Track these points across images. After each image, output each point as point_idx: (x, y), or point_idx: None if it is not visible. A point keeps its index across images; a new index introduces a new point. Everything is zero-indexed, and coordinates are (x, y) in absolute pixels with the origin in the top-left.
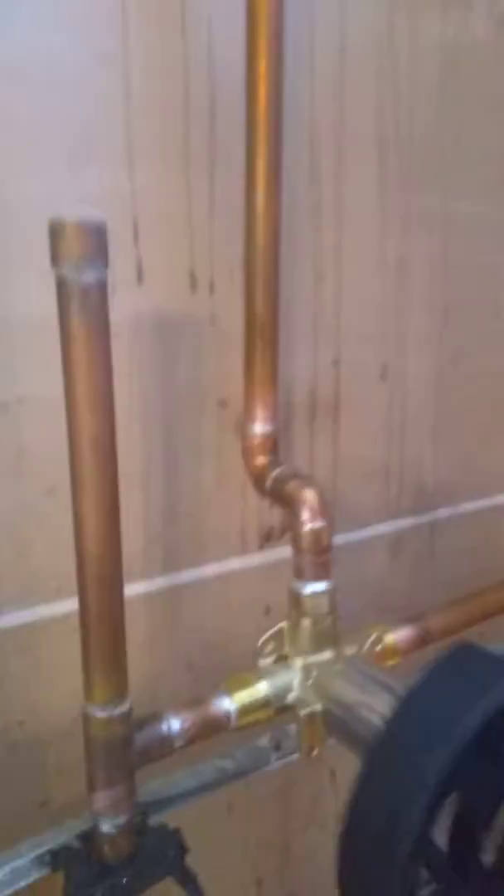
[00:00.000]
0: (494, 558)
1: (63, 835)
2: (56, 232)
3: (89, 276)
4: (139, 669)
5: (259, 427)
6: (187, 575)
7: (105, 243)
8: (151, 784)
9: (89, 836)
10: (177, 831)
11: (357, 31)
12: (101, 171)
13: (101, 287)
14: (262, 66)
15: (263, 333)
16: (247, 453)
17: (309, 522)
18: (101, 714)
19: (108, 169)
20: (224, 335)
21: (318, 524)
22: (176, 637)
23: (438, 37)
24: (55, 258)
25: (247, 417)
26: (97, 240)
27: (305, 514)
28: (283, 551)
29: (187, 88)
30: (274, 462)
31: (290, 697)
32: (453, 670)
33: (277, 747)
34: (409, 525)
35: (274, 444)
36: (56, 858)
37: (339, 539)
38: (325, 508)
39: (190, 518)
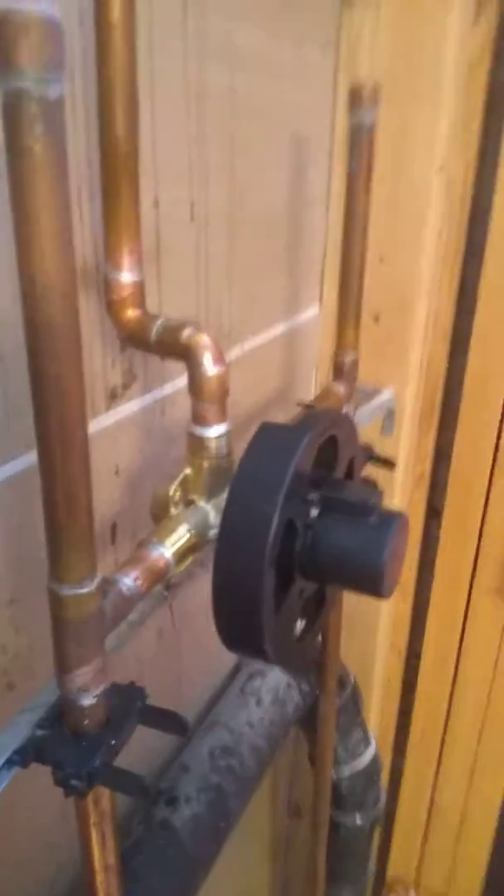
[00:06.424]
0: (272, 386)
1: (22, 728)
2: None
3: (56, 90)
4: None
5: (127, 276)
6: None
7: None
8: None
9: (57, 717)
10: (132, 683)
11: None
12: None
13: (63, 105)
14: None
15: (127, 167)
16: (115, 306)
17: (213, 368)
18: (74, 592)
19: None
20: None
21: (221, 369)
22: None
23: None
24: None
25: (113, 266)
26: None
27: (208, 361)
28: (126, 409)
29: None
30: (148, 312)
31: (212, 534)
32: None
33: (167, 587)
34: None
35: (142, 294)
36: (25, 754)
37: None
38: (222, 353)
39: None
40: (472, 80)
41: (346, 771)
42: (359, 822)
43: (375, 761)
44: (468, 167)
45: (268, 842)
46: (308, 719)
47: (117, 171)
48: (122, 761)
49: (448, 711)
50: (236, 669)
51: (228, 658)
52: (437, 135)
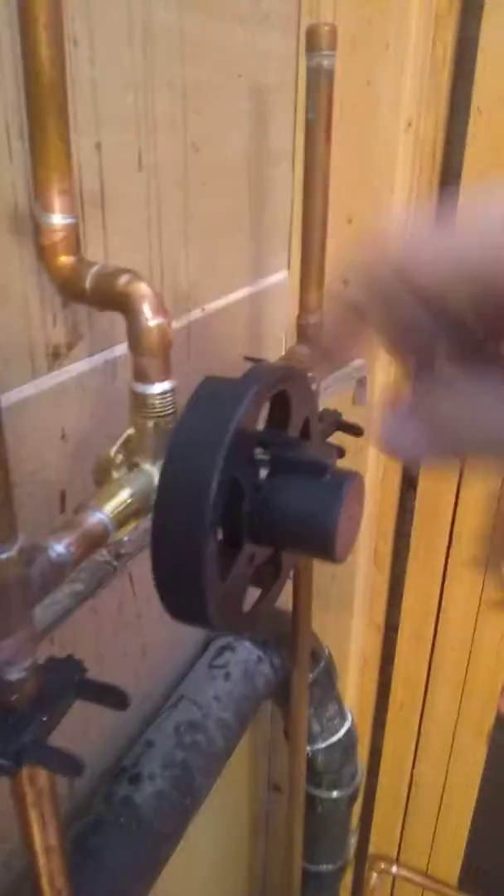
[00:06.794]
0: (237, 353)
1: None
2: None
3: None
4: None
5: (59, 219)
6: None
7: None
8: None
9: None
10: (70, 656)
11: None
12: None
13: None
14: None
15: (53, 96)
16: (47, 252)
17: (153, 319)
18: None
19: None
20: None
21: (162, 319)
22: None
23: None
24: None
25: (42, 208)
26: None
27: (147, 311)
28: (72, 370)
29: None
30: (84, 259)
31: (154, 498)
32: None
33: (117, 556)
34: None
35: (77, 239)
36: None
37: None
38: (163, 303)
39: None
40: (439, 31)
41: (322, 745)
42: (335, 797)
43: (351, 736)
44: (437, 126)
45: (248, 817)
46: (282, 694)
47: (42, 100)
48: (83, 739)
49: (426, 685)
50: (206, 644)
51: (196, 631)
52: (403, 85)
